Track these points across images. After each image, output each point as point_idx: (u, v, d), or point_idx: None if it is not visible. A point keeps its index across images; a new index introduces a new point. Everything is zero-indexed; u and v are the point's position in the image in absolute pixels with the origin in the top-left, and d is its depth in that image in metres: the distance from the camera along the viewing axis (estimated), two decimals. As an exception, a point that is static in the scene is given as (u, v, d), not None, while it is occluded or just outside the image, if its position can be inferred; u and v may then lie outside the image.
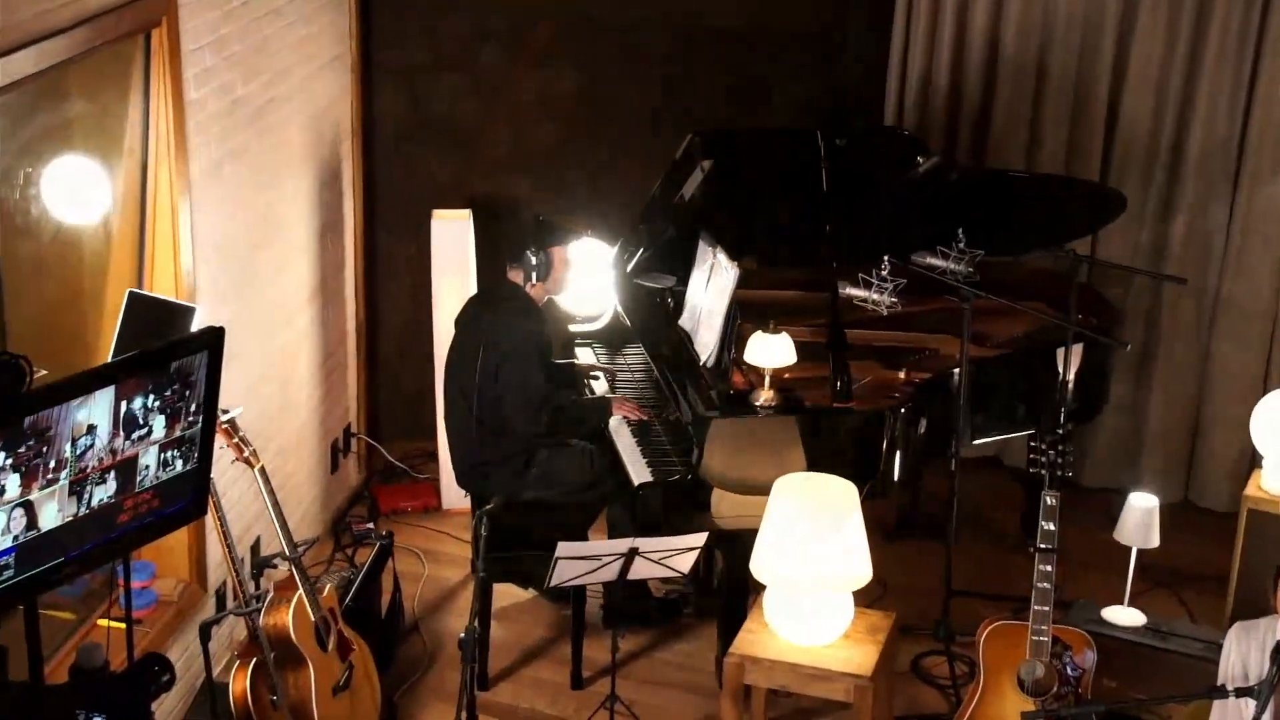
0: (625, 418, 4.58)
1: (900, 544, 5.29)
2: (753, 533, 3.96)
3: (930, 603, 4.73)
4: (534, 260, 4.52)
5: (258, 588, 4.03)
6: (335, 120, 5.33)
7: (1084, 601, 4.44)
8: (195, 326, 3.56)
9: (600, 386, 4.85)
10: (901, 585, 4.95)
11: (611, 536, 4.62)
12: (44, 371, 2.96)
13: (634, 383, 4.92)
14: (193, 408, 3.15)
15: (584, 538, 4.55)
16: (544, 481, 4.55)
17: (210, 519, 3.73)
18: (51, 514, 2.94)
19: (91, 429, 2.93)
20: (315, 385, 5.25)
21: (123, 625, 3.53)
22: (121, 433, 3.01)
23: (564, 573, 3.98)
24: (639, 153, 5.50)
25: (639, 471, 4.35)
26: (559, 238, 4.58)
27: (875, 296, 4.65)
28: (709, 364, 4.45)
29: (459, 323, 4.69)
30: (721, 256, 4.52)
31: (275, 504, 3.87)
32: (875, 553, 3.95)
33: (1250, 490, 4.48)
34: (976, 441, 4.66)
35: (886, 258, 4.63)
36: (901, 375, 4.53)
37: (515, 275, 4.60)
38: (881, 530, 5.24)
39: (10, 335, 3.64)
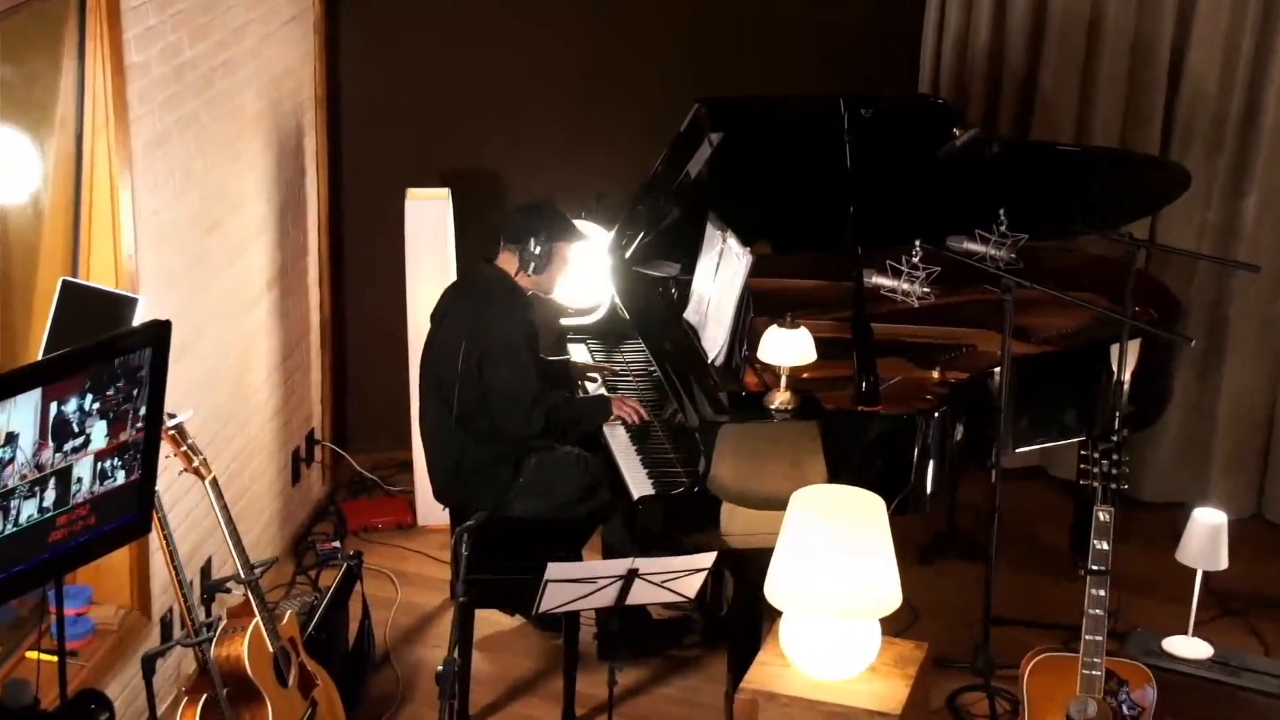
0: (623, 421, 4.58)
1: (934, 565, 5.28)
2: (767, 552, 3.95)
3: (968, 632, 4.72)
4: (536, 249, 4.51)
5: (208, 615, 4.02)
6: (296, 87, 5.32)
7: (1142, 631, 4.43)
8: (138, 319, 3.55)
9: (596, 390, 4.84)
10: (935, 612, 4.94)
11: (607, 556, 4.61)
12: (-36, 371, 2.95)
13: (634, 384, 4.91)
14: (141, 411, 3.14)
15: (577, 557, 4.54)
16: (533, 494, 4.55)
17: (155, 537, 3.71)
18: (-27, 532, 2.93)
19: (11, 438, 2.91)
20: (274, 386, 5.24)
21: (55, 658, 3.52)
22: (51, 443, 2.99)
23: (555, 597, 3.97)
24: (639, 125, 5.49)
25: (638, 483, 4.34)
26: (570, 233, 4.57)
27: (905, 286, 4.63)
28: (717, 362, 4.45)
29: (436, 314, 4.69)
30: (732, 241, 4.51)
31: (228, 520, 3.86)
32: (906, 575, 3.93)
33: (1332, 504, 4.46)
34: (1020, 450, 4.65)
35: (918, 242, 4.62)
36: (935, 375, 4.53)
37: (506, 260, 4.58)
38: (913, 550, 5.23)
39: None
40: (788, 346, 4.29)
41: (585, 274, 5.02)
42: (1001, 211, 4.80)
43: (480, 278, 4.64)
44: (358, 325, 5.87)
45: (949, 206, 4.87)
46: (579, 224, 4.67)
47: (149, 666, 3.73)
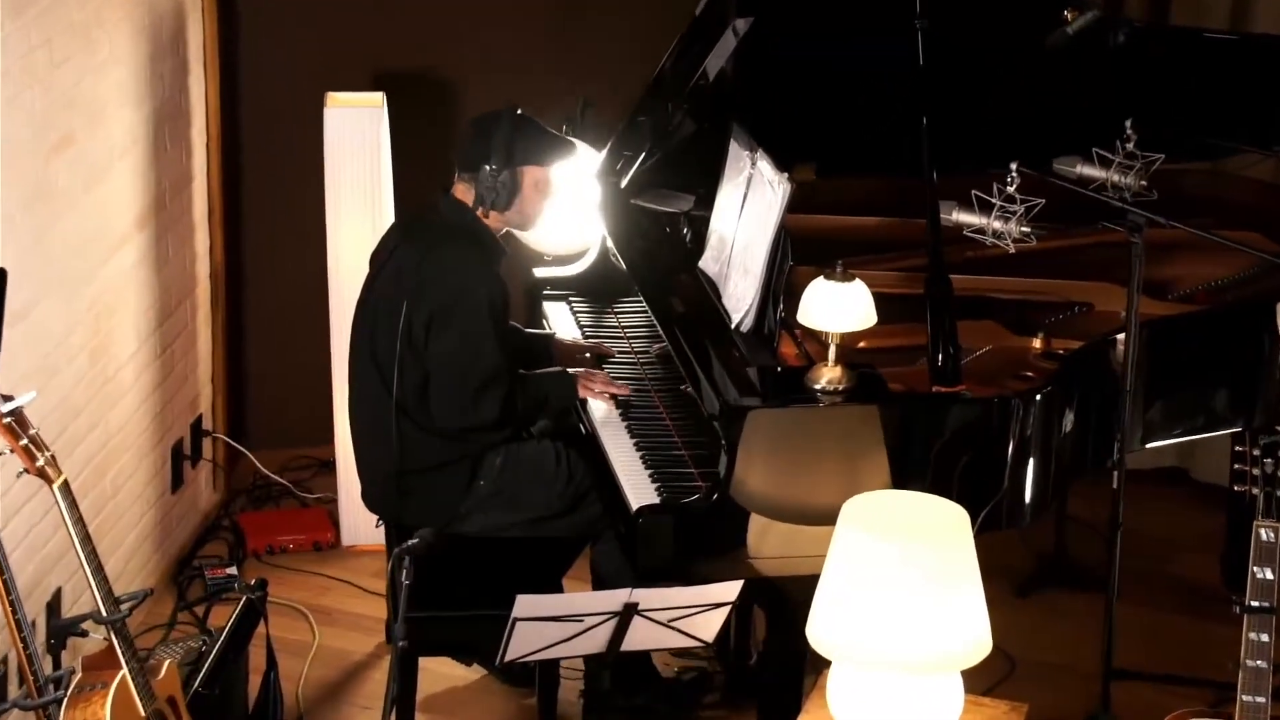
0: (612, 400, 4.60)
1: (1036, 599, 5.28)
2: (810, 581, 3.94)
3: (1082, 688, 4.72)
4: (495, 177, 4.48)
5: (57, 667, 4.01)
6: (177, -44, 5.31)
7: (1317, 688, 4.42)
8: (-40, 269, 3.54)
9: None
10: (1038, 661, 4.96)
11: (597, 586, 4.61)
12: None
13: (633, 359, 4.90)
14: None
15: (558, 589, 4.55)
16: (498, 503, 4.55)
17: (-15, 562, 3.70)
18: None
19: None
20: (147, 359, 5.24)
21: None
22: None
23: (526, 641, 3.97)
24: (639, 10, 5.46)
25: (639, 490, 4.34)
26: (542, 150, 4.55)
27: (998, 225, 4.62)
28: (745, 327, 4.44)
29: (375, 260, 4.67)
30: (764, 165, 4.50)
31: (85, 539, 3.85)
32: (997, 612, 3.92)
33: None
34: (1152, 445, 4.65)
35: (1015, 165, 4.61)
36: (1037, 344, 4.53)
37: (463, 193, 4.57)
38: (1008, 578, 5.23)
39: None
40: (839, 306, 4.27)
41: (569, 205, 4.99)
42: (1129, 123, 4.78)
43: (434, 214, 4.63)
44: (261, 277, 5.86)
45: (1057, 116, 4.85)
46: (556, 136, 4.63)
47: (-22, 735, 3.72)
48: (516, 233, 4.81)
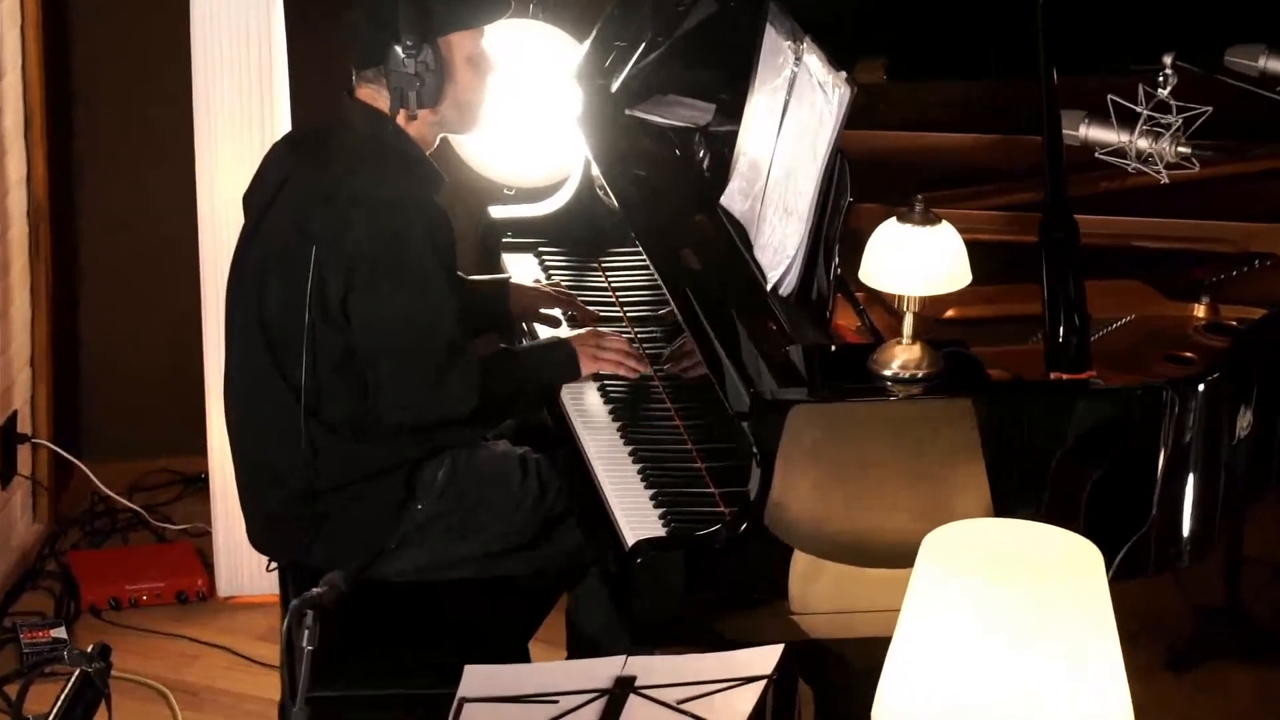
0: (604, 389, 4.64)
1: (1198, 672, 5.32)
2: (876, 646, 3.97)
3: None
4: (411, 63, 4.51)
5: None
6: None
7: None
8: None
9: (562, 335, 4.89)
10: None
11: (576, 651, 4.67)
12: None
13: (629, 331, 4.95)
14: None
15: (522, 655, 4.59)
16: (438, 532, 4.60)
17: None
18: None
19: None
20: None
21: None
22: None
23: (476, 732, 4.01)
24: None
25: (636, 516, 4.38)
26: (465, 9, 4.57)
27: (1144, 144, 4.65)
28: (785, 289, 4.47)
29: (255, 199, 4.70)
30: (813, 60, 4.52)
31: None
32: (1143, 689, 3.96)
33: None
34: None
35: (1170, 59, 4.63)
36: (1199, 313, 4.57)
37: (372, 97, 4.59)
38: (1158, 642, 5.27)
39: None
40: (917, 260, 4.29)
41: (536, 100, 5.02)
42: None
43: (339, 127, 4.66)
44: (101, 217, 5.88)
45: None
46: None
47: None
48: (460, 147, 4.83)
